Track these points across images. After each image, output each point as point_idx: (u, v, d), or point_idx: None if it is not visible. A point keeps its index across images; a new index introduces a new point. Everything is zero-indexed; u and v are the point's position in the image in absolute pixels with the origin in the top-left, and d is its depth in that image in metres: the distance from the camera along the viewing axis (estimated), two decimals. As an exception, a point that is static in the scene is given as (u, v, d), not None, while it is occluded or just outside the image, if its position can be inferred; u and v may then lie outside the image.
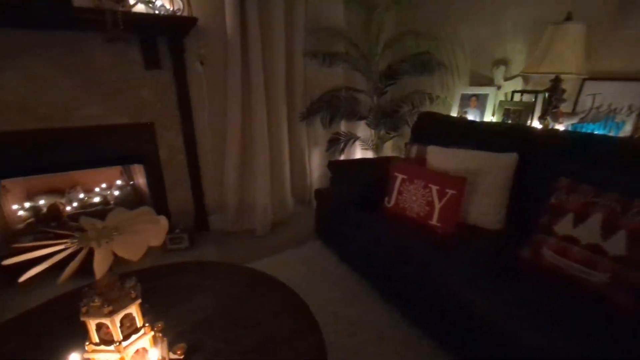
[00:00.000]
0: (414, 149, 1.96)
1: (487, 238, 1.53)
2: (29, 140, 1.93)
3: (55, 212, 2.26)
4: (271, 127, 2.53)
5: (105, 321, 0.68)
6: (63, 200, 2.34)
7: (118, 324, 0.70)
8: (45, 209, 2.26)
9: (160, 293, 1.09)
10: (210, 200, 2.56)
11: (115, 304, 0.69)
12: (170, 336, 0.88)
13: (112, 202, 2.43)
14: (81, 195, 2.40)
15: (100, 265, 0.65)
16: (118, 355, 0.70)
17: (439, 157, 1.82)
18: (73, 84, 1.95)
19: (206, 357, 0.83)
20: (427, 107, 2.53)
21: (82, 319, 0.68)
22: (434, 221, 1.59)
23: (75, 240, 0.67)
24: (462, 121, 2.23)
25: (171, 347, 0.82)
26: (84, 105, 2.00)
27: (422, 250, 1.49)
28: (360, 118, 2.68)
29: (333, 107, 2.61)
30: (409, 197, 1.70)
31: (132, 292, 0.72)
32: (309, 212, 2.72)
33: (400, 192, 1.75)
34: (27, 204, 2.26)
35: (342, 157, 2.78)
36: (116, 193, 2.46)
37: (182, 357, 0.80)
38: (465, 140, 1.81)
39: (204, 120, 2.37)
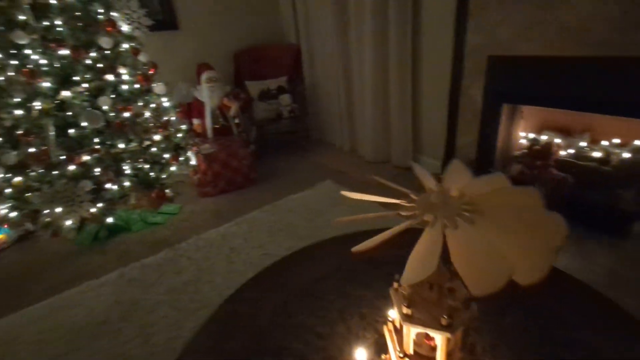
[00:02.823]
0: None
1: None
2: (567, 68, 1.68)
3: (546, 151, 2.02)
4: None
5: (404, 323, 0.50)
6: (561, 142, 2.02)
7: (412, 337, 0.50)
8: (539, 145, 2.09)
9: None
10: None
11: (416, 311, 0.48)
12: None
13: (611, 165, 1.80)
14: (582, 144, 1.95)
15: (420, 266, 0.43)
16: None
17: None
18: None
19: None
20: None
21: (390, 291, 0.54)
22: None
23: (413, 205, 0.48)
24: None
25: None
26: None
27: None
28: None
29: None
30: None
31: (444, 318, 0.46)
32: None
33: None
34: (530, 135, 2.18)
35: None
36: (625, 155, 1.77)
37: None
38: None
39: None
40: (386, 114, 2.71)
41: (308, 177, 2.76)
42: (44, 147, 1.68)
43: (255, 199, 2.46)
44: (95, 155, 1.79)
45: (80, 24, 1.76)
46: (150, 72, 2.10)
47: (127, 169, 1.92)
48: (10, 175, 1.73)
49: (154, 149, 2.02)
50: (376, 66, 2.57)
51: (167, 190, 2.07)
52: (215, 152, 2.48)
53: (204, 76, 2.65)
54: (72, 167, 1.73)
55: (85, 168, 1.78)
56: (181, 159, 2.22)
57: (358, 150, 3.15)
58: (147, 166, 2.01)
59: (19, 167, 1.70)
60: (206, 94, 2.66)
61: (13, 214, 1.79)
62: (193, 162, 2.33)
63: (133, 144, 1.93)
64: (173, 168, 2.14)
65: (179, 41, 2.96)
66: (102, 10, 1.84)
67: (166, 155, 2.12)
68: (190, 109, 2.79)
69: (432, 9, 2.21)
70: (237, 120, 2.82)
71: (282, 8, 3.45)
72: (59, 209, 1.73)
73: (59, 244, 2.03)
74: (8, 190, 1.75)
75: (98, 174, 1.82)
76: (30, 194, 1.71)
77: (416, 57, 2.39)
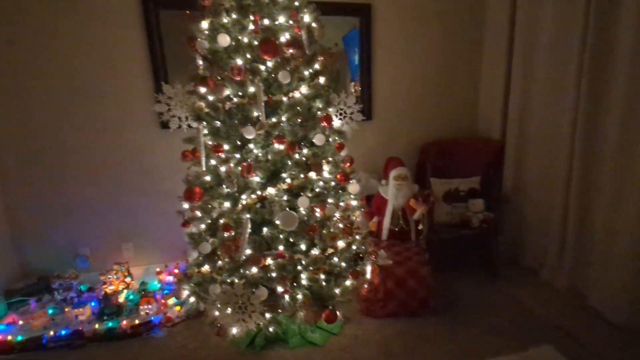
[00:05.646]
0: None
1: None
2: None
3: None
4: None
5: None
6: None
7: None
8: None
9: None
10: None
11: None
12: None
13: None
14: None
15: None
16: None
17: None
18: None
19: None
20: None
21: None
22: None
23: None
24: None
25: None
26: None
27: None
28: None
29: None
30: None
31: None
32: None
33: None
34: None
35: None
36: None
37: None
38: None
39: None
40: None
41: (506, 321, 1.95)
42: (237, 241, 1.54)
43: (433, 340, 1.80)
44: (280, 260, 1.55)
45: (300, 119, 1.68)
46: (347, 166, 1.86)
47: (303, 277, 1.62)
48: (201, 260, 1.66)
49: (335, 259, 1.68)
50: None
51: (338, 312, 1.65)
52: (392, 266, 2.00)
53: (393, 173, 2.31)
54: (254, 270, 1.53)
55: (265, 272, 1.56)
56: (357, 267, 1.82)
57: (587, 296, 2.10)
58: (322, 276, 1.67)
59: (210, 256, 1.61)
60: (392, 192, 2.30)
61: (192, 299, 1.70)
62: (368, 274, 1.90)
63: (316, 251, 1.64)
64: (348, 282, 1.74)
65: (369, 131, 2.82)
66: (321, 106, 1.74)
67: (343, 264, 1.75)
68: (369, 204, 2.47)
69: None
70: (420, 226, 2.32)
71: (483, 99, 2.98)
72: (229, 311, 1.51)
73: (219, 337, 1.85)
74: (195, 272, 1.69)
75: (275, 279, 1.57)
76: (212, 285, 1.57)
77: None
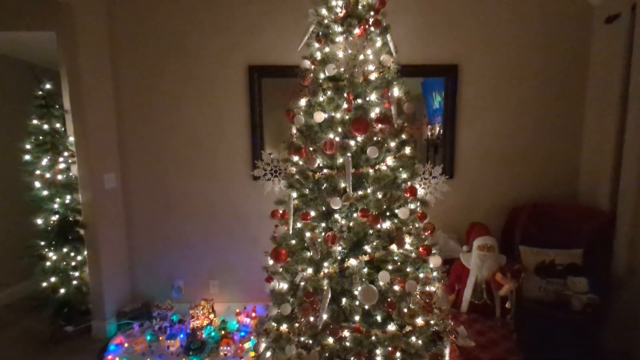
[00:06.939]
0: None
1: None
2: None
3: None
4: None
5: None
6: None
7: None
8: None
9: None
10: None
11: None
12: None
13: None
14: None
15: None
16: None
17: None
18: None
19: None
20: None
21: None
22: None
23: None
24: None
25: None
26: None
27: None
28: None
29: None
30: None
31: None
32: None
33: None
34: None
35: None
36: None
37: None
38: None
39: None
40: None
41: None
42: (316, 306, 1.57)
43: None
44: (356, 334, 1.53)
45: (384, 191, 1.69)
46: (428, 234, 1.79)
47: (378, 354, 1.56)
48: (280, 318, 1.73)
49: (413, 338, 1.59)
50: None
51: (413, 399, 1.54)
52: (475, 349, 1.81)
53: (478, 242, 2.15)
54: (330, 340, 1.53)
55: (341, 342, 1.55)
56: (435, 349, 1.68)
57: None
58: (398, 354, 1.58)
59: (288, 317, 1.67)
60: (475, 262, 2.13)
61: (268, 354, 1.75)
62: (447, 356, 1.75)
63: (393, 327, 1.57)
64: (425, 364, 1.62)
65: (450, 189, 2.69)
66: (406, 176, 1.73)
67: (420, 342, 1.64)
68: (447, 270, 2.32)
69: None
70: (508, 304, 2.08)
71: (585, 161, 2.64)
72: (303, 377, 1.53)
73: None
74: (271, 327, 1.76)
75: (350, 351, 1.54)
76: (288, 346, 1.61)
77: None
